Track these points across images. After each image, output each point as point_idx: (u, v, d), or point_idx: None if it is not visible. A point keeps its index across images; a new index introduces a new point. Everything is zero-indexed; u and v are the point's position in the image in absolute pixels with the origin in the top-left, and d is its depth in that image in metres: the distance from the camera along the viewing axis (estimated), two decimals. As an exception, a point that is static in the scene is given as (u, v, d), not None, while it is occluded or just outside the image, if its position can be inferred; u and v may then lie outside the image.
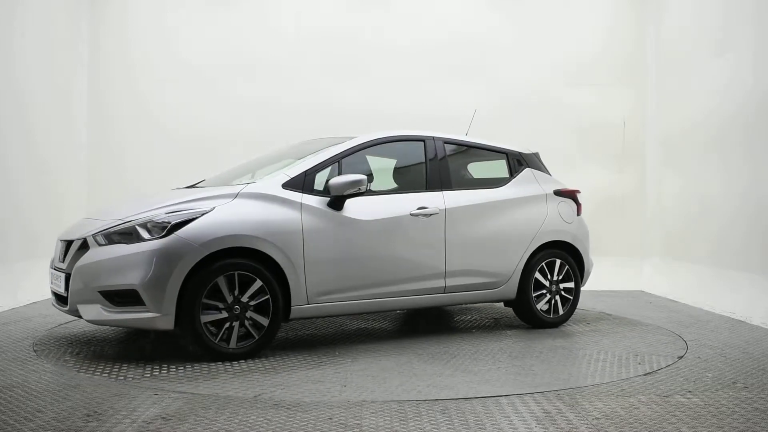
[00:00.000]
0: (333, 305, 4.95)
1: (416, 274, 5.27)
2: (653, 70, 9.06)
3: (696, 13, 8.12)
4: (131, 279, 4.32)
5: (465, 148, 5.94)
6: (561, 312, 5.97)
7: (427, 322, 6.28)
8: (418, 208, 5.30)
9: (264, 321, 4.61)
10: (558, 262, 5.96)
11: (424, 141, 5.63)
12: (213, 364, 4.46)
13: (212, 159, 8.45)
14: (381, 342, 5.30)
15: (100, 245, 4.53)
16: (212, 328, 4.47)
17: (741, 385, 4.09)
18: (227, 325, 4.49)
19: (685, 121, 8.23)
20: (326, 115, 8.67)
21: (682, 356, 4.85)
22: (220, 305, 4.46)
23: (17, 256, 7.16)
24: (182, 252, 4.34)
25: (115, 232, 4.52)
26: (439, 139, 5.70)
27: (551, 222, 5.97)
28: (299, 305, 4.78)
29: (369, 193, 5.23)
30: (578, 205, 6.30)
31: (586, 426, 3.30)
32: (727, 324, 6.20)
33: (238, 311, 4.51)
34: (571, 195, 6.25)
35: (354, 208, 5.04)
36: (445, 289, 5.42)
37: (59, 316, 6.16)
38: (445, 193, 5.49)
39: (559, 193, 6.17)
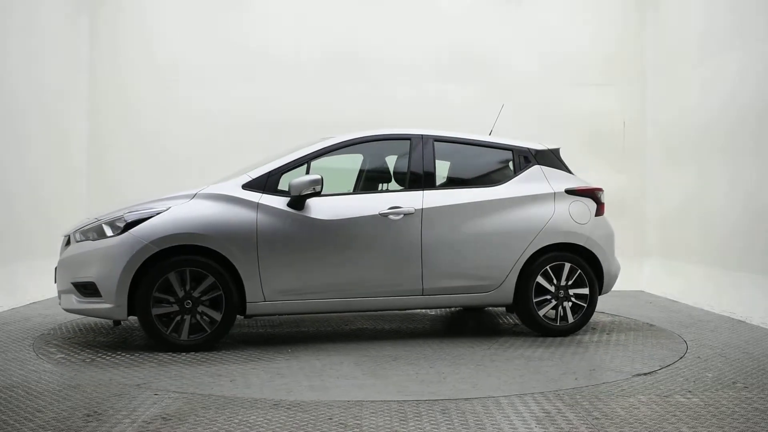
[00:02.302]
0: (294, 303, 5.04)
1: (386, 275, 5.16)
2: (653, 71, 9.05)
3: (696, 13, 8.12)
4: (91, 272, 4.77)
5: (462, 145, 5.74)
6: (571, 320, 5.52)
7: (476, 323, 6.20)
8: (389, 208, 5.19)
9: (217, 315, 4.82)
10: (567, 266, 5.49)
11: (410, 139, 5.50)
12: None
13: (213, 158, 8.47)
14: (352, 342, 5.25)
15: (77, 241, 4.97)
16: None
17: (741, 385, 4.09)
18: (178, 318, 4.77)
19: (685, 121, 8.22)
20: (329, 114, 8.66)
21: (682, 356, 4.85)
22: (171, 299, 4.75)
23: (17, 256, 7.15)
24: (133, 248, 4.71)
25: (89, 230, 4.95)
26: (429, 137, 5.51)
27: (558, 222, 5.52)
28: (255, 302, 4.93)
29: (342, 193, 5.26)
30: (599, 204, 5.75)
31: (586, 426, 3.30)
32: (727, 324, 6.20)
33: (189, 305, 4.77)
34: (588, 194, 5.73)
35: (318, 208, 5.06)
36: (423, 291, 5.25)
37: (59, 316, 6.16)
38: (425, 192, 5.32)
39: (572, 191, 5.67)
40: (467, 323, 6.29)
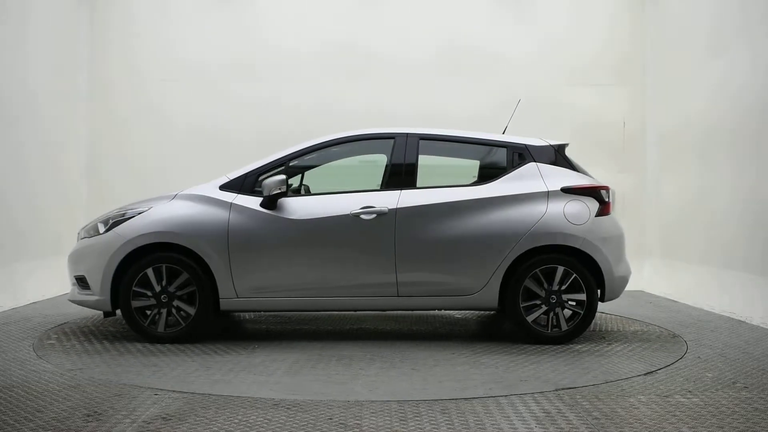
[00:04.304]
0: (266, 300, 5.15)
1: (357, 275, 5.11)
2: (653, 70, 9.05)
3: (695, 12, 8.11)
4: (83, 267, 5.20)
5: (452, 143, 5.55)
6: (565, 327, 5.15)
7: (510, 328, 6.10)
8: (362, 208, 5.12)
9: (191, 310, 5.07)
10: (560, 269, 5.12)
11: (394, 138, 5.39)
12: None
13: (214, 158, 8.48)
14: (323, 341, 5.24)
15: (81, 238, 5.37)
16: (148, 312, 5.10)
17: (741, 385, 4.09)
18: (155, 311, 5.07)
19: (684, 120, 8.22)
20: (329, 115, 8.66)
21: (682, 356, 4.85)
22: (149, 293, 5.05)
23: (17, 257, 7.15)
24: (114, 245, 5.05)
25: (90, 227, 5.34)
26: (414, 135, 5.37)
27: (550, 223, 5.13)
28: (228, 298, 5.09)
29: (317, 192, 5.36)
30: (603, 204, 5.32)
31: (586, 426, 3.30)
32: (727, 324, 6.20)
33: (165, 300, 5.06)
34: (588, 192, 5.31)
35: (291, 207, 5.14)
36: (398, 293, 5.13)
37: (59, 317, 6.17)
38: (403, 191, 5.18)
39: (569, 190, 5.27)
40: (500, 327, 6.02)
